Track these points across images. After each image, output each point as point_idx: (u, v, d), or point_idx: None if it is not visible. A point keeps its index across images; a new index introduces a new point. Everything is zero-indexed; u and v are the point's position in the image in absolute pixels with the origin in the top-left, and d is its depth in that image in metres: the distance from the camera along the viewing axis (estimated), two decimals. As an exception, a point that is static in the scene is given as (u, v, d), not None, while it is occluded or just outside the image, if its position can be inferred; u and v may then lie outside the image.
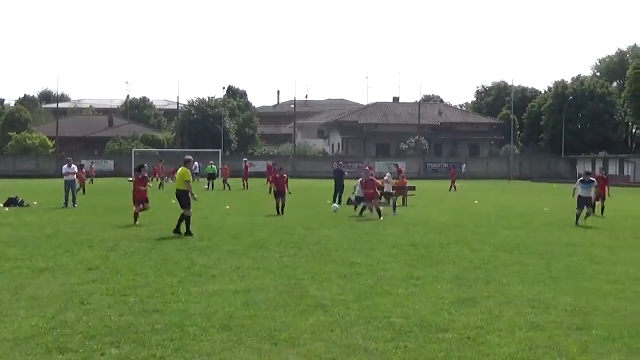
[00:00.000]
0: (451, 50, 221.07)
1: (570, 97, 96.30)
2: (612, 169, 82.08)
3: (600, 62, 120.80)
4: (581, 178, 25.11)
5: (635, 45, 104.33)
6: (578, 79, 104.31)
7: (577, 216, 23.81)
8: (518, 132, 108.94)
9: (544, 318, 9.48)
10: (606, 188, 29.25)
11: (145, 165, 24.12)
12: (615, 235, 20.75)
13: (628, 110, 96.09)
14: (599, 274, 13.23)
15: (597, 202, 28.06)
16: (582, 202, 24.11)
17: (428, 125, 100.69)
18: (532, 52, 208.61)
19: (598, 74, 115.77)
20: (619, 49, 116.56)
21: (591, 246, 17.86)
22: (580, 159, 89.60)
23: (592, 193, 25.54)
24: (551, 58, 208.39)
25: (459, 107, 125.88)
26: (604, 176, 30.57)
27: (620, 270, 13.71)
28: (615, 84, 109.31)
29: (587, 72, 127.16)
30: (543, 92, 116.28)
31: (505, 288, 11.69)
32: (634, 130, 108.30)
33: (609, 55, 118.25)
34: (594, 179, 25.24)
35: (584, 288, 11.74)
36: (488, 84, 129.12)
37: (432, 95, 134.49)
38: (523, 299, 10.71)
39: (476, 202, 37.07)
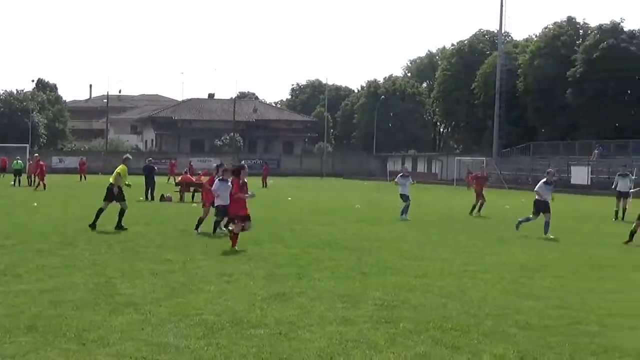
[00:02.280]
0: (267, 48, 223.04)
1: (382, 97, 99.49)
2: (421, 167, 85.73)
3: (411, 63, 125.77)
4: (544, 180, 21.91)
5: (444, 48, 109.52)
6: (390, 79, 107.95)
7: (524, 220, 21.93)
8: (332, 130, 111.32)
9: (354, 312, 9.65)
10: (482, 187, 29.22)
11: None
12: (423, 231, 21.58)
13: (437, 110, 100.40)
14: (407, 269, 13.67)
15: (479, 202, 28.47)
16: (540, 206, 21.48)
17: (243, 122, 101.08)
18: (347, 52, 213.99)
19: (409, 74, 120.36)
20: (429, 51, 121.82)
21: (400, 242, 18.46)
22: (391, 157, 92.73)
23: (627, 188, 28.15)
24: (365, 58, 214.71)
25: (274, 105, 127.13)
26: (483, 174, 30.89)
27: (427, 265, 14.22)
28: (425, 84, 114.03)
29: (398, 72, 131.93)
30: (356, 91, 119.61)
31: (317, 283, 11.83)
32: (441, 130, 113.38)
33: (419, 57, 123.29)
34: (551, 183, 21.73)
35: (393, 283, 12.08)
36: (303, 82, 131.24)
37: (248, 92, 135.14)
38: (334, 294, 10.86)
39: (289, 198, 37.51)
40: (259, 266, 13.53)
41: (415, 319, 9.34)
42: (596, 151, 62.65)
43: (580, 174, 59.93)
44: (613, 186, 29.27)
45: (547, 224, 20.81)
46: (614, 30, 71.08)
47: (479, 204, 28.55)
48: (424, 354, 7.79)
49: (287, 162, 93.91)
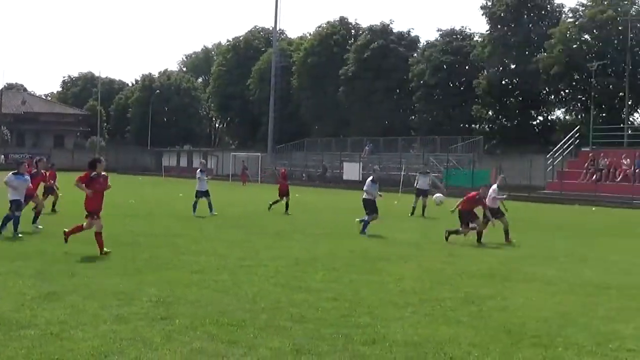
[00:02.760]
0: (36, 37, 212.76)
1: (157, 91, 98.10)
2: (197, 162, 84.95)
3: (186, 57, 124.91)
4: (370, 178, 22.09)
5: (220, 43, 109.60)
6: (165, 73, 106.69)
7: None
8: (105, 124, 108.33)
9: (128, 310, 9.39)
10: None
11: None
12: (199, 227, 21.46)
13: (212, 105, 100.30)
14: (183, 264, 13.50)
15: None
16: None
17: (10, 115, 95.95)
18: (120, 45, 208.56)
19: (184, 69, 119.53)
20: (204, 46, 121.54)
21: (176, 237, 18.24)
22: (166, 152, 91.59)
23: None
24: (139, 51, 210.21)
25: (44, 97, 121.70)
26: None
27: (204, 260, 14.12)
28: (200, 79, 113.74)
29: (174, 66, 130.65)
30: (130, 84, 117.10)
31: (90, 281, 11.41)
32: (217, 125, 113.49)
33: (195, 52, 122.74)
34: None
35: (169, 278, 11.88)
36: (75, 74, 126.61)
37: (16, 83, 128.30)
38: (107, 292, 10.52)
39: (61, 194, 36.01)
40: (28, 265, 12.86)
41: (191, 315, 9.23)
42: (367, 148, 65.10)
43: (352, 170, 61.89)
44: (415, 184, 29.76)
45: (366, 223, 20.65)
46: (383, 31, 74.12)
47: (285, 201, 28.40)
48: (200, 350, 7.70)
49: (58, 156, 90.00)
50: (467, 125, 68.89)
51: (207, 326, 8.68)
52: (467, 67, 67.55)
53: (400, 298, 10.92)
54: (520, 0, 61.18)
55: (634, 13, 55.21)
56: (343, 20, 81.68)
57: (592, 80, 52.01)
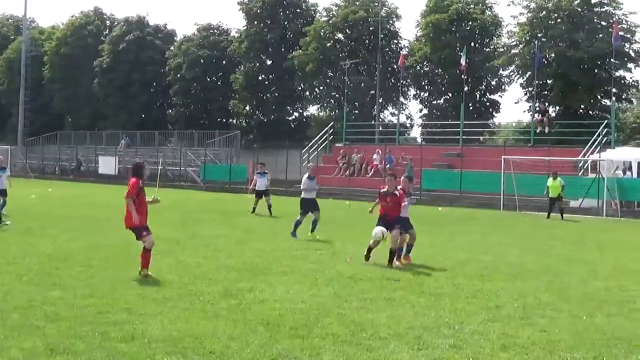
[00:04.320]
0: None
1: None
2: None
3: None
4: (307, 175, 20.85)
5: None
6: None
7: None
8: None
9: None
10: None
11: None
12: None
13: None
14: None
15: None
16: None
17: None
18: None
19: None
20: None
21: None
22: None
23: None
24: None
25: None
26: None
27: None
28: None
29: None
30: None
31: None
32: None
33: None
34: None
35: None
36: None
37: None
38: None
39: None
40: None
41: None
42: (123, 142, 63.70)
43: (108, 164, 60.40)
44: (253, 185, 28.86)
45: (315, 222, 19.77)
46: (139, 23, 72.94)
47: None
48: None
49: None
50: (224, 120, 69.50)
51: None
52: (224, 62, 68.07)
53: (158, 293, 10.78)
54: (276, -3, 62.56)
55: (384, 14, 58.12)
56: (97, 11, 79.60)
57: (345, 78, 54.06)
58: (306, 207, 19.93)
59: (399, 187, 15.37)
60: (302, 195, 20.33)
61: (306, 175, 20.92)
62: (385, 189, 15.33)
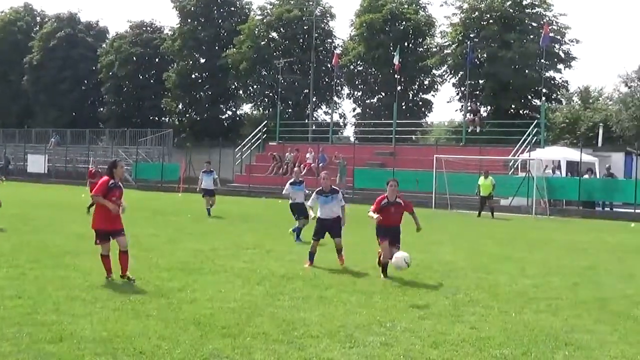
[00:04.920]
0: None
1: None
2: None
3: None
4: (290, 181, 20.18)
5: None
6: None
7: None
8: None
9: None
10: None
11: None
12: None
13: None
14: None
15: None
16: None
17: None
18: None
19: None
20: None
21: None
22: None
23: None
24: None
25: None
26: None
27: None
28: None
29: None
30: None
31: None
32: None
33: None
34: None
35: None
36: None
37: None
38: None
39: None
40: None
41: None
42: (53, 140, 62.66)
43: (37, 163, 59.37)
44: (200, 184, 28.12)
45: (298, 230, 18.99)
46: (70, 19, 71.95)
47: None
48: None
49: None
50: (157, 118, 68.95)
51: None
52: (157, 60, 67.51)
53: (88, 293, 10.61)
54: (210, -5, 62.24)
55: (318, 13, 58.29)
56: (28, 7, 78.19)
57: (279, 76, 54.07)
58: (297, 212, 19.36)
59: (398, 195, 13.56)
60: (290, 202, 19.79)
61: (290, 181, 20.22)
62: (386, 200, 13.42)
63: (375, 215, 13.19)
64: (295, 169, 23.56)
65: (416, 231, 13.62)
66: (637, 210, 32.53)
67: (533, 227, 26.38)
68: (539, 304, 10.98)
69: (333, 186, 14.90)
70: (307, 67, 56.41)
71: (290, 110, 58.72)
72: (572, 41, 50.66)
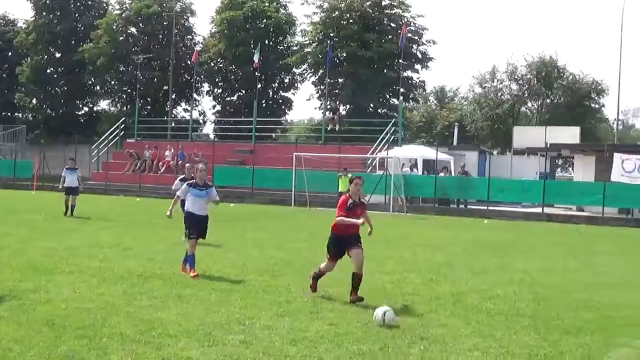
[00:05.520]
0: None
1: None
2: None
3: None
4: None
5: None
6: None
7: None
8: None
9: None
10: None
11: None
12: None
13: None
14: None
15: None
16: None
17: None
18: None
19: None
20: None
21: None
22: None
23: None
24: None
25: None
26: None
27: None
28: None
29: None
30: None
31: None
32: None
33: None
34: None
35: None
36: None
37: None
38: None
39: None
40: None
41: None
42: None
43: None
44: (62, 182, 26.78)
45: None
46: None
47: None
48: None
49: None
50: (9, 114, 66.63)
51: None
52: (10, 54, 65.15)
53: None
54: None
55: (178, 9, 57.62)
56: None
57: (137, 72, 53.14)
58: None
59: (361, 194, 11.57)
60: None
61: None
62: (351, 200, 11.31)
63: (360, 221, 11.16)
64: (187, 164, 21.71)
65: (368, 234, 11.44)
66: (489, 208, 33.81)
67: (390, 224, 26.93)
68: (396, 299, 11.27)
69: (207, 181, 13.89)
70: (167, 64, 55.72)
71: (149, 107, 57.90)
72: (429, 42, 52.31)
